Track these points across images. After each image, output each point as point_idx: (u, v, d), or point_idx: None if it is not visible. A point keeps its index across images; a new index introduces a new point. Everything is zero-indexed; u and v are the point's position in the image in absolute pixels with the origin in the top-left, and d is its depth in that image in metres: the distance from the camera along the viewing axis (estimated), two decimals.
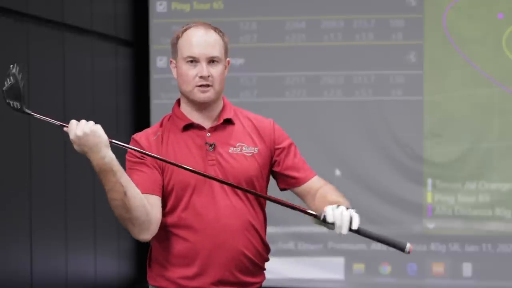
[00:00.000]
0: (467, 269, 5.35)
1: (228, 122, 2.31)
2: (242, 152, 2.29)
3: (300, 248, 5.47)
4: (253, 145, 2.30)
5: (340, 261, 5.45)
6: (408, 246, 2.11)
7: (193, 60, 2.25)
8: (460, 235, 5.34)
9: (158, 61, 5.54)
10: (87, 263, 4.83)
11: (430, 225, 5.37)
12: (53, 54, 4.48)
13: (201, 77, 2.24)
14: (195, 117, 2.30)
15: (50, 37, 4.46)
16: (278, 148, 2.35)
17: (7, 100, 2.09)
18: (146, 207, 2.14)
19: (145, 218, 2.13)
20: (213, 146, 2.26)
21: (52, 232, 4.38)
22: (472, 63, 5.29)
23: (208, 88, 2.25)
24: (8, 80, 2.10)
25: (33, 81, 4.21)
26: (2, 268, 3.91)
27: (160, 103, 5.52)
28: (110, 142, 2.11)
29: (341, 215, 2.07)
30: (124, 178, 2.10)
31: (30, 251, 4.14)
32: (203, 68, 2.24)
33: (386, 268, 5.42)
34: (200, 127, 2.29)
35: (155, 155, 2.20)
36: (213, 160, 2.25)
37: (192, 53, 2.25)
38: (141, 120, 5.51)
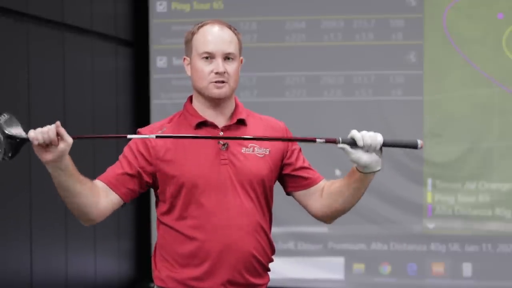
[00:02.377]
0: (467, 269, 5.35)
1: (241, 122, 2.30)
2: (254, 152, 2.28)
3: (300, 248, 5.46)
4: (264, 147, 2.30)
5: (340, 261, 5.45)
6: (420, 142, 2.20)
7: (209, 56, 2.24)
8: (460, 235, 5.34)
9: (158, 61, 5.54)
10: (87, 263, 4.82)
11: (430, 225, 5.37)
12: (53, 54, 4.48)
13: (216, 73, 2.23)
14: (208, 114, 2.28)
15: (50, 37, 4.46)
16: (289, 150, 2.35)
17: (5, 130, 1.99)
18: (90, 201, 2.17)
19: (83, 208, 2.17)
20: (226, 145, 2.25)
21: (52, 232, 4.38)
22: (472, 63, 5.29)
23: (223, 84, 2.24)
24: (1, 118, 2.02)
25: (33, 81, 4.21)
26: (2, 268, 3.91)
27: (160, 103, 5.52)
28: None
29: (369, 135, 2.17)
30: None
31: (30, 251, 4.14)
32: (219, 64, 2.23)
33: (386, 268, 5.42)
34: (213, 125, 2.27)
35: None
36: (226, 159, 2.24)
37: (208, 49, 2.24)
38: (141, 120, 5.51)
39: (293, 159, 2.35)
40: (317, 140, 2.20)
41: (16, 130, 2.01)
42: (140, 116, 5.58)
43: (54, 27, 4.50)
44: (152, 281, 2.35)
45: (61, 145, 2.03)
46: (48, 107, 4.37)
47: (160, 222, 2.32)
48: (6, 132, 1.99)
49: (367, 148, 2.18)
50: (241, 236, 2.23)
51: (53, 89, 4.47)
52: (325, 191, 2.34)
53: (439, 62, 5.33)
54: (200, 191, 2.22)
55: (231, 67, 2.25)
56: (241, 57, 2.34)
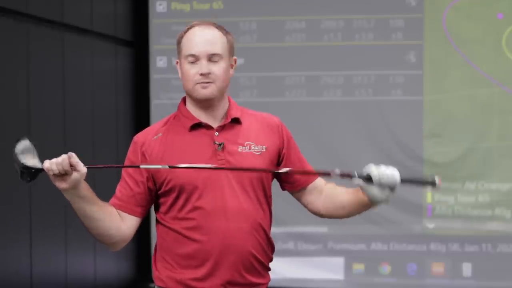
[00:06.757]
0: (467, 269, 5.35)
1: (236, 121, 2.30)
2: (251, 150, 2.27)
3: (300, 248, 5.46)
4: (261, 144, 2.29)
5: (339, 261, 5.45)
6: (437, 179, 2.17)
7: (194, 58, 2.24)
8: (460, 235, 5.34)
9: (158, 61, 5.54)
10: (87, 263, 4.82)
11: (430, 225, 5.37)
12: (53, 54, 4.48)
13: (201, 74, 2.22)
14: (201, 116, 2.28)
15: (50, 37, 4.46)
16: (284, 148, 2.35)
17: (22, 161, 2.06)
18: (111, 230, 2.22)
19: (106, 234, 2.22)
20: (221, 145, 2.24)
21: (52, 232, 4.38)
22: (472, 63, 5.29)
23: (209, 84, 2.23)
24: (19, 145, 2.08)
25: (33, 81, 4.21)
26: (2, 268, 3.91)
27: (160, 103, 5.52)
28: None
29: (386, 176, 2.15)
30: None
31: (30, 251, 4.14)
32: (203, 65, 2.22)
33: (386, 268, 5.42)
34: (208, 127, 2.27)
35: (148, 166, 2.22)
36: (223, 159, 2.23)
37: (192, 51, 2.24)
38: (141, 120, 5.51)
39: (287, 158, 2.35)
40: (332, 173, 2.20)
41: (32, 160, 2.08)
42: (140, 116, 5.57)
43: (54, 27, 4.50)
44: (152, 281, 2.36)
45: (75, 175, 2.07)
46: (48, 107, 4.37)
47: (159, 222, 2.32)
48: (22, 162, 2.07)
49: (383, 187, 2.17)
50: (240, 236, 2.22)
51: (53, 89, 4.47)
52: (327, 196, 2.35)
53: (439, 62, 5.33)
54: (198, 193, 2.21)
55: (216, 67, 2.24)
56: (234, 57, 2.32)
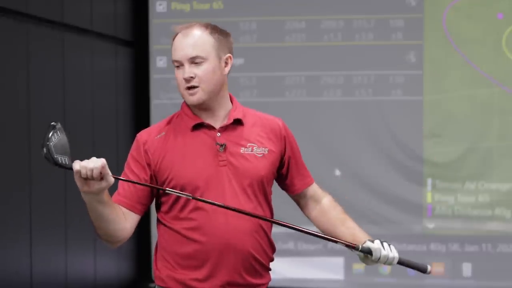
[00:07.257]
0: (467, 269, 5.35)
1: (238, 122, 2.29)
2: (253, 152, 2.27)
3: (299, 248, 5.46)
4: (263, 146, 2.29)
5: (339, 261, 5.45)
6: (429, 267, 2.39)
7: (178, 63, 2.24)
8: (460, 235, 5.34)
9: (158, 61, 5.54)
10: (87, 263, 4.82)
11: (430, 225, 5.37)
12: (53, 54, 4.48)
13: (184, 79, 2.22)
14: (203, 116, 2.28)
15: (50, 37, 4.46)
16: (287, 152, 2.36)
17: (55, 156, 2.03)
18: (119, 229, 2.23)
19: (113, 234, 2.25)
20: (223, 146, 2.24)
21: (52, 232, 4.38)
22: (472, 63, 5.29)
23: (195, 90, 2.22)
24: (54, 135, 2.05)
25: (33, 81, 4.21)
26: (2, 268, 3.91)
27: (160, 103, 5.52)
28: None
29: (386, 260, 2.29)
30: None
31: (30, 251, 4.14)
32: (185, 71, 2.21)
33: (385, 268, 5.42)
34: (210, 127, 2.26)
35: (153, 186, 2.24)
36: (224, 160, 2.23)
37: (174, 57, 2.24)
38: (141, 120, 5.51)
39: (287, 161, 2.36)
40: (338, 242, 2.35)
41: (63, 156, 2.06)
42: (140, 116, 5.57)
43: (54, 27, 4.50)
44: (152, 281, 2.36)
45: (103, 184, 2.07)
46: (48, 107, 4.37)
47: (160, 222, 2.32)
48: (54, 159, 2.04)
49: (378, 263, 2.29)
50: (240, 237, 2.22)
51: (53, 89, 4.47)
52: (322, 212, 2.42)
53: (439, 62, 5.33)
54: (199, 193, 2.21)
55: (200, 70, 2.21)
56: (228, 55, 2.28)
